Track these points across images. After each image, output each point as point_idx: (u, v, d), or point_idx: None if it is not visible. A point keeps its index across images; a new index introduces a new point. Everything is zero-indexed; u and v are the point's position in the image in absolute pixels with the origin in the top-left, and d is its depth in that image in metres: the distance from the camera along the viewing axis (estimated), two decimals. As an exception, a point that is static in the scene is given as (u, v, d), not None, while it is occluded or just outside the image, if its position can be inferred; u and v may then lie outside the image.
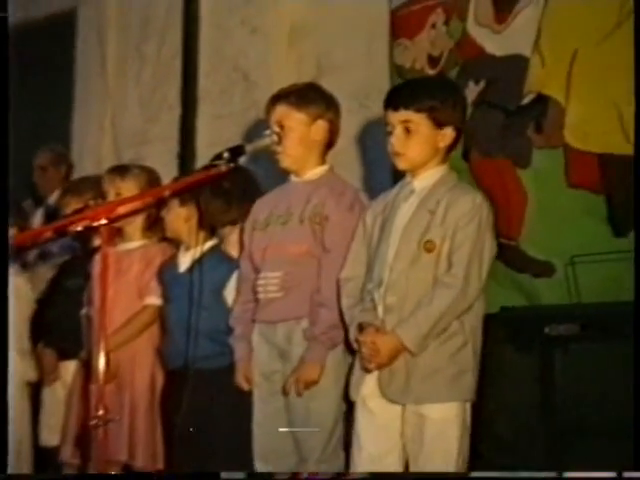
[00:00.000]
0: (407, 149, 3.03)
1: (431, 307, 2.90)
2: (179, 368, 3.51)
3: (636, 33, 3.36)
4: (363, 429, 3.04)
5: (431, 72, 4.04)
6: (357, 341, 2.99)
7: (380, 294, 3.01)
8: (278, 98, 3.33)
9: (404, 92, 3.13)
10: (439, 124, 3.02)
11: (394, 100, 3.07)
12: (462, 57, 3.96)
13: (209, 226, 3.60)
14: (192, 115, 5.24)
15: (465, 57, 3.95)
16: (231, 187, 3.51)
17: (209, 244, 3.58)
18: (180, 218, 3.62)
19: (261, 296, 3.33)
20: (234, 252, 3.58)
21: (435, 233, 2.97)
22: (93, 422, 2.64)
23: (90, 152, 5.72)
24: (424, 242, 2.97)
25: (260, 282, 3.33)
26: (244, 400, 3.36)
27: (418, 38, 4.11)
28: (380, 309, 3.00)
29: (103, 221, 2.70)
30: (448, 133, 3.04)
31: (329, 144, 3.37)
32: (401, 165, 3.07)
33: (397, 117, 3.03)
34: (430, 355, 2.93)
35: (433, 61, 4.06)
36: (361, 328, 2.99)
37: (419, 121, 3.01)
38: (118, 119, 5.66)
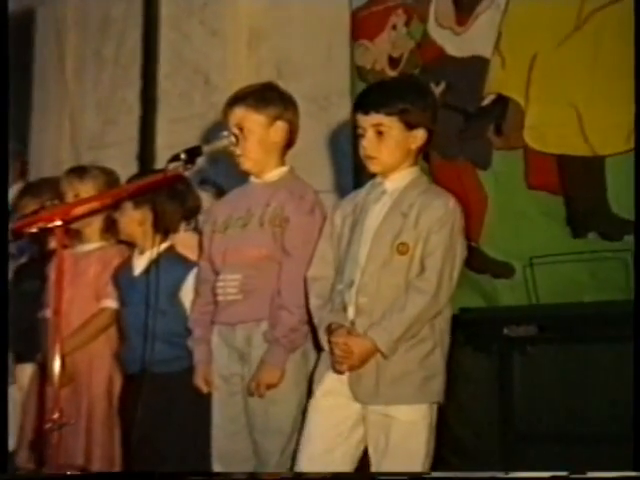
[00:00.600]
0: (379, 152, 3.01)
1: (404, 312, 2.89)
2: (137, 372, 3.48)
3: (636, 33, 3.37)
4: (314, 425, 3.00)
5: (392, 73, 4.05)
6: (329, 342, 2.97)
7: (351, 295, 2.99)
8: (236, 100, 3.31)
9: (374, 95, 3.10)
10: (410, 126, 3.01)
11: (364, 103, 3.05)
12: (423, 58, 3.98)
13: (163, 228, 3.56)
14: (152, 117, 5.20)
15: (426, 58, 3.97)
16: (184, 188, 3.50)
17: (163, 246, 3.54)
18: (134, 221, 3.59)
19: (220, 298, 3.31)
20: (187, 253, 3.56)
21: (408, 236, 2.95)
22: (48, 426, 2.63)
23: (49, 154, 5.68)
24: (397, 244, 2.96)
25: (219, 284, 3.30)
26: (203, 403, 3.34)
27: (379, 39, 4.12)
28: (351, 310, 2.99)
29: (58, 222, 2.68)
30: (419, 135, 3.03)
31: (288, 144, 3.35)
32: (373, 168, 3.06)
33: (368, 121, 3.01)
34: (400, 358, 2.91)
35: (394, 62, 4.07)
36: (330, 329, 2.97)
37: (390, 124, 2.99)
38: (77, 121, 5.61)
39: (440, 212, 2.97)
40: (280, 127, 3.30)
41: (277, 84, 3.44)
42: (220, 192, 4.11)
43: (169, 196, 3.50)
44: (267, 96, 3.30)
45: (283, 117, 3.30)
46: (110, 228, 3.82)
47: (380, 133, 3.00)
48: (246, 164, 3.30)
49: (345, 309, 3.00)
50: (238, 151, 3.26)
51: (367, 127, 3.01)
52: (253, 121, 3.27)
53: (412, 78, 3.86)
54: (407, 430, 2.92)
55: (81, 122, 5.60)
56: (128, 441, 3.51)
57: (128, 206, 3.57)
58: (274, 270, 3.22)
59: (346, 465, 2.98)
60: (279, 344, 3.16)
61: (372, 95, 3.12)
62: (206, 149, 3.08)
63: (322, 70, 4.63)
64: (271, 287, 3.21)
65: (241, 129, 3.26)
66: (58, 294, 2.73)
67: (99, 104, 5.56)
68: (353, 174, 4.15)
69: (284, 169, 3.34)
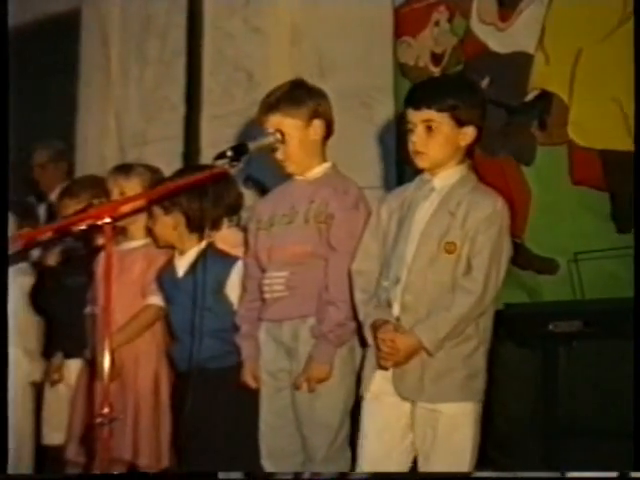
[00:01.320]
0: (428, 148, 3.01)
1: (451, 311, 2.90)
2: (187, 370, 3.46)
3: (636, 32, 3.38)
4: (369, 426, 3.04)
5: (434, 70, 4.05)
6: (375, 338, 2.98)
7: (396, 292, 2.99)
8: (270, 108, 3.30)
9: (426, 91, 3.10)
10: (460, 123, 3.00)
11: (415, 99, 3.05)
12: (465, 55, 3.97)
13: (199, 228, 3.55)
14: (196, 115, 5.24)
15: (468, 55, 3.96)
16: (212, 186, 3.51)
17: (202, 245, 3.54)
18: (167, 227, 3.58)
19: (267, 295, 3.33)
20: (227, 249, 3.57)
21: (455, 235, 2.96)
22: (98, 420, 2.64)
23: (93, 152, 5.73)
24: (445, 243, 2.96)
25: (266, 282, 3.32)
26: (253, 398, 3.36)
27: (421, 36, 4.13)
28: (396, 307, 2.99)
29: (107, 220, 2.70)
30: (469, 132, 3.03)
31: (326, 135, 3.35)
32: (422, 164, 3.06)
33: (419, 116, 3.01)
34: (444, 356, 2.92)
35: (436, 59, 4.07)
36: (376, 325, 2.98)
37: (441, 120, 2.99)
38: (121, 119, 5.66)
39: (488, 212, 2.97)
40: (317, 125, 3.31)
41: (303, 79, 3.42)
42: (263, 190, 4.13)
43: (201, 196, 3.47)
44: (298, 97, 3.29)
45: (318, 113, 3.30)
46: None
47: (430, 129, 3.00)
48: (291, 167, 3.31)
49: (390, 305, 3.00)
50: (280, 155, 3.27)
51: (417, 122, 3.01)
52: (291, 126, 3.27)
53: (463, 76, 3.86)
54: (453, 423, 2.93)
55: (125, 120, 5.66)
56: (178, 437, 3.54)
57: (159, 213, 3.58)
58: (319, 267, 3.24)
59: (404, 465, 3.00)
60: (327, 339, 3.18)
61: (424, 91, 3.12)
62: (252, 147, 3.09)
63: (364, 67, 4.65)
64: (316, 283, 3.23)
65: (282, 134, 3.27)
66: (107, 291, 2.76)
67: (143, 102, 5.61)
68: (396, 170, 4.16)
69: (327, 165, 3.35)
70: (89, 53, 5.93)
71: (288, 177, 3.40)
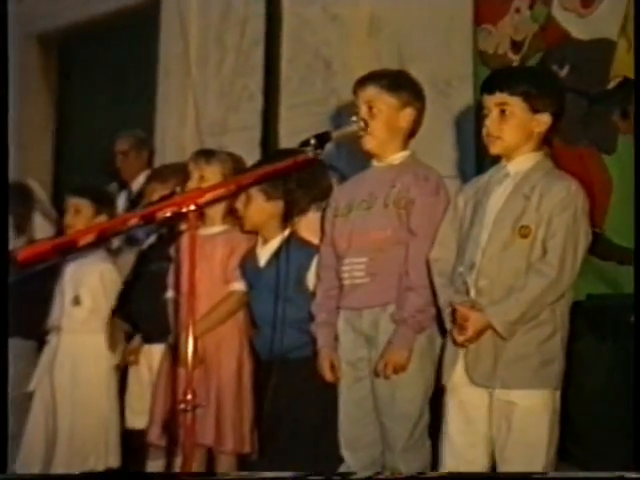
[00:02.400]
0: (501, 132, 3.04)
1: (523, 294, 2.91)
2: (269, 358, 3.52)
3: (636, 32, 3.38)
4: (451, 419, 3.05)
5: (514, 57, 4.00)
6: (452, 312, 3.00)
7: (472, 277, 3.01)
8: (370, 78, 3.34)
9: (500, 76, 3.19)
10: (534, 109, 3.03)
11: (490, 84, 3.11)
12: (546, 42, 3.92)
13: (291, 218, 3.59)
14: (274, 103, 5.25)
15: (549, 42, 3.91)
16: (315, 172, 3.52)
17: (286, 233, 3.55)
18: (265, 213, 3.60)
19: (346, 282, 3.34)
20: (310, 237, 3.59)
21: (530, 219, 2.96)
22: (181, 406, 2.65)
23: (172, 142, 5.77)
24: (519, 227, 2.97)
25: (345, 268, 3.34)
26: (332, 388, 3.39)
27: (502, 23, 4.08)
28: (472, 292, 3.01)
29: (192, 207, 2.72)
30: (544, 119, 3.04)
31: (412, 133, 3.38)
32: (495, 149, 3.07)
33: (492, 100, 3.05)
34: (518, 340, 2.93)
35: (516, 46, 4.03)
36: (453, 306, 3.00)
37: (514, 104, 3.02)
38: (200, 108, 5.70)
39: (562, 194, 2.96)
40: (409, 113, 3.34)
41: (409, 73, 3.46)
42: (342, 178, 4.14)
43: (299, 185, 3.53)
44: (400, 81, 3.35)
45: (413, 105, 3.34)
46: (233, 212, 3.86)
47: (503, 113, 3.04)
48: (370, 143, 3.32)
49: (468, 291, 3.02)
50: (363, 131, 3.27)
51: (491, 107, 3.05)
52: (384, 102, 3.30)
53: (541, 65, 3.85)
54: (528, 416, 2.93)
55: (204, 109, 5.69)
56: (260, 424, 3.56)
57: (259, 198, 3.59)
58: (399, 252, 3.25)
59: (489, 457, 3.00)
60: (407, 324, 3.19)
61: (498, 76, 3.19)
62: (335, 134, 3.09)
63: (443, 55, 4.61)
64: (397, 270, 3.24)
65: (370, 107, 3.29)
66: (191, 277, 2.79)
67: (221, 91, 5.64)
68: (475, 159, 4.13)
69: (406, 153, 3.36)
70: (168, 42, 5.98)
71: (366, 165, 3.41)
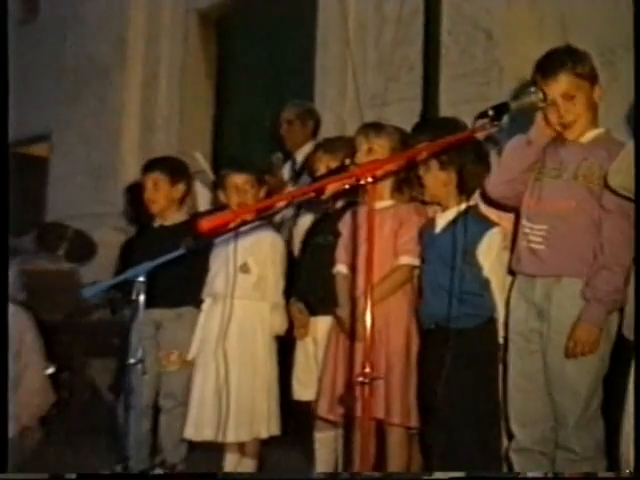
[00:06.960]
0: None
1: None
2: (432, 328, 3.53)
3: (636, 32, 3.37)
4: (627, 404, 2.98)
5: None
6: None
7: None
8: (554, 68, 3.30)
9: None
10: None
11: None
12: None
13: (467, 189, 3.56)
14: (434, 75, 5.19)
15: None
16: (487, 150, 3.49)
17: (465, 205, 3.52)
18: (439, 181, 3.58)
19: (523, 244, 3.35)
20: (489, 214, 3.57)
21: None
22: (359, 379, 2.65)
23: (332, 114, 5.78)
24: None
25: (525, 230, 3.36)
26: (496, 358, 3.41)
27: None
28: None
29: (369, 179, 2.70)
30: None
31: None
32: None
33: None
34: None
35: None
36: None
37: None
38: (359, 80, 5.68)
39: None
40: (598, 90, 3.37)
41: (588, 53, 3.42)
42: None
43: (475, 158, 3.52)
44: (584, 62, 3.34)
45: (598, 81, 3.36)
46: (401, 186, 3.84)
47: None
48: (575, 132, 3.32)
49: None
50: (568, 117, 3.28)
51: None
52: (583, 89, 3.31)
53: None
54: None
55: (363, 81, 5.67)
56: (424, 396, 3.55)
57: (434, 166, 3.58)
58: (581, 225, 3.25)
59: None
60: (601, 303, 3.16)
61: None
62: (514, 106, 3.07)
63: (607, 23, 4.50)
64: (575, 243, 3.24)
65: (571, 97, 3.28)
66: (369, 251, 2.78)
67: (381, 62, 5.61)
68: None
69: (600, 130, 3.36)
70: (326, 14, 5.98)
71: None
